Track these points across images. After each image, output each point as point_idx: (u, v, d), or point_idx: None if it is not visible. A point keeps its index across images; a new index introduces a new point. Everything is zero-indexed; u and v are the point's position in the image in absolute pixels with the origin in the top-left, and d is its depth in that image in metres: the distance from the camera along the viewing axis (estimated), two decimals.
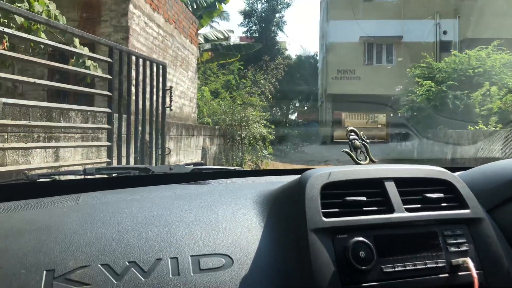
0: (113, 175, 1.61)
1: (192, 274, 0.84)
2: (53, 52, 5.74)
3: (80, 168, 4.31)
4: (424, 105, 14.43)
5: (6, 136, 3.29)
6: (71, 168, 3.77)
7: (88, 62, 5.35)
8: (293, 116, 32.83)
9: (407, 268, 0.92)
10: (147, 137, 4.74)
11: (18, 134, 3.45)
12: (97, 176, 1.46)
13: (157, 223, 0.95)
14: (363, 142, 1.21)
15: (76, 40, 5.24)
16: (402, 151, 17.18)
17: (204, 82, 14.68)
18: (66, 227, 0.91)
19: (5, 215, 0.99)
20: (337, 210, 0.95)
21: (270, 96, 15.04)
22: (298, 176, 1.03)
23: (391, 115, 28.23)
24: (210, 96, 14.17)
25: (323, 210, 0.93)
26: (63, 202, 1.07)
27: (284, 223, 0.96)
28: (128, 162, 4.32)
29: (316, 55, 33.95)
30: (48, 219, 0.94)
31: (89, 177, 1.45)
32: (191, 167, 1.54)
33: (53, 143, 3.78)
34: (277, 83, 15.70)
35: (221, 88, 15.40)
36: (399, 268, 0.91)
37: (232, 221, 0.98)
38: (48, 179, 1.42)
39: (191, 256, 0.87)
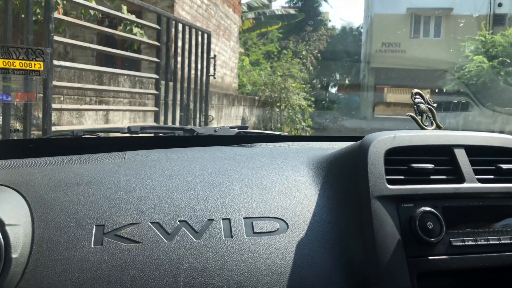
0: (158, 134, 1.61)
1: (245, 237, 0.81)
2: (102, 19, 5.91)
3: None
4: (473, 81, 13.86)
5: (62, 98, 3.47)
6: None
7: (135, 30, 5.48)
8: (333, 89, 32.33)
9: (479, 243, 0.85)
10: (191, 104, 4.86)
11: (72, 97, 3.63)
12: (142, 134, 1.45)
13: (207, 183, 0.92)
14: (430, 106, 1.13)
15: (124, 8, 5.37)
16: (446, 129, 16.68)
17: (245, 53, 14.65)
18: (114, 183, 0.89)
19: (53, 167, 0.98)
20: (402, 177, 0.89)
21: (311, 68, 14.84)
22: (352, 142, 1.00)
23: (436, 91, 27.28)
24: (250, 66, 14.16)
25: (387, 177, 0.87)
26: (109, 159, 1.06)
27: (342, 190, 0.92)
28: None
29: (361, 27, 32.99)
30: (96, 174, 0.92)
31: (133, 135, 1.44)
32: (236, 130, 1.52)
33: (104, 106, 3.95)
34: (319, 54, 15.44)
35: (262, 58, 15.33)
36: (470, 243, 0.84)
37: (285, 184, 0.94)
38: (93, 135, 1.42)
39: (244, 218, 0.84)
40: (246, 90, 12.60)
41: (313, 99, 13.28)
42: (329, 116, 18.71)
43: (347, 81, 35.82)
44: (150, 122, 4.71)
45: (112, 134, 1.66)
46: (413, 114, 1.10)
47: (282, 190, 0.92)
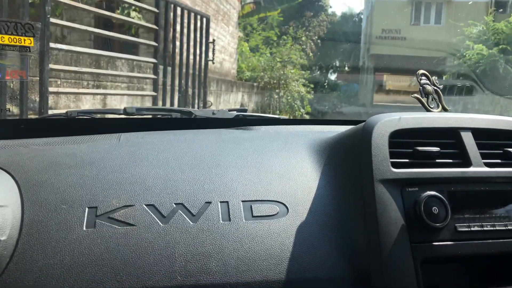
0: (155, 116, 1.56)
1: (244, 221, 0.79)
2: (100, 3, 5.83)
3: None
4: (472, 69, 13.80)
5: (59, 82, 3.44)
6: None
7: (133, 14, 5.42)
8: (332, 76, 32.19)
9: (485, 228, 0.82)
10: (189, 89, 4.82)
11: (69, 80, 3.59)
12: (138, 116, 1.41)
13: (205, 165, 0.89)
14: (435, 88, 1.09)
15: None
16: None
17: (244, 38, 14.53)
18: (108, 164, 0.86)
19: (45, 148, 0.95)
20: (407, 160, 0.86)
21: (311, 54, 14.75)
22: (354, 125, 0.97)
23: (436, 78, 27.11)
24: (249, 52, 14.05)
25: (391, 160, 0.84)
26: (104, 140, 1.02)
27: (344, 173, 0.89)
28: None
29: (361, 13, 32.72)
30: (89, 155, 0.90)
31: (130, 116, 1.40)
32: (234, 112, 1.49)
33: (102, 90, 3.92)
34: (318, 40, 15.32)
35: (261, 44, 15.21)
36: (476, 228, 0.82)
37: (285, 167, 0.92)
38: (87, 116, 1.38)
39: (242, 201, 0.82)
40: (245, 76, 12.53)
41: (312, 85, 13.22)
42: (327, 102, 18.64)
43: (346, 68, 35.66)
44: (148, 106, 4.67)
45: (107, 116, 1.62)
46: (418, 96, 1.06)
47: (282, 173, 0.90)
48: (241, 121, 1.38)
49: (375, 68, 25.38)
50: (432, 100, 1.07)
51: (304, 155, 0.96)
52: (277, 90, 12.22)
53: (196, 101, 4.95)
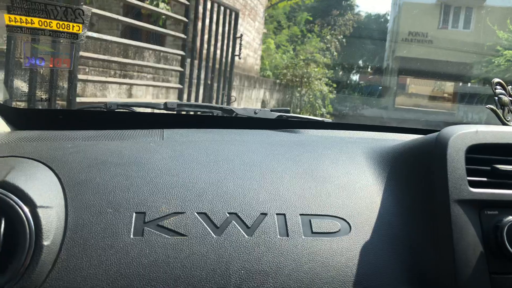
0: (196, 112, 1.52)
1: (303, 237, 0.72)
2: None
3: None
4: (501, 76, 13.47)
5: (87, 70, 3.44)
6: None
7: (162, 5, 5.40)
8: (355, 77, 31.86)
9: None
10: (215, 83, 4.79)
11: (97, 69, 3.59)
12: (179, 111, 1.37)
13: (258, 171, 0.82)
14: None
15: None
16: (469, 123, 16.35)
17: (270, 34, 14.44)
18: (155, 164, 0.79)
19: (88, 143, 0.88)
20: (485, 179, 0.77)
21: (335, 53, 14.59)
22: (415, 134, 0.89)
23: (460, 84, 26.68)
24: (274, 48, 13.98)
25: (468, 178, 0.75)
26: (147, 137, 0.96)
27: (413, 189, 0.80)
28: None
29: (387, 14, 32.28)
30: (134, 153, 0.83)
31: (170, 112, 1.36)
32: (276, 112, 1.42)
33: (129, 80, 3.92)
34: (344, 39, 15.15)
35: (285, 41, 15.12)
36: None
37: (345, 178, 0.83)
38: (127, 110, 1.34)
39: (301, 214, 0.74)
40: (267, 73, 12.47)
41: (334, 85, 13.08)
42: (349, 103, 18.46)
43: (369, 69, 35.25)
44: (173, 99, 4.66)
45: (147, 110, 1.60)
46: (493, 107, 0.97)
47: (342, 185, 0.81)
48: (284, 122, 1.31)
49: (399, 71, 25.02)
50: (509, 112, 0.99)
51: (365, 165, 0.87)
52: (299, 88, 12.14)
53: (220, 95, 4.91)
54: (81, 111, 1.10)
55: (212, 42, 4.56)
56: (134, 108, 1.29)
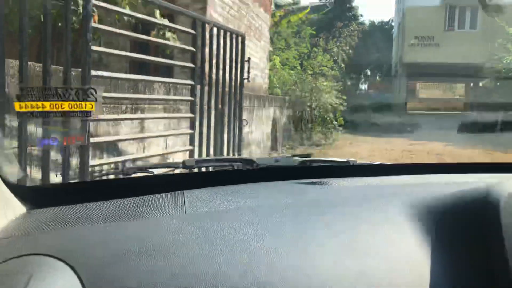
0: (215, 167, 1.44)
1: None
2: (135, 24, 5.91)
3: (173, 159, 4.44)
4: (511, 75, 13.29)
5: None
6: (162, 157, 3.89)
7: (168, 34, 5.45)
8: (363, 86, 31.77)
9: None
10: (225, 108, 4.78)
11: (108, 105, 3.60)
12: (198, 169, 1.32)
13: (291, 247, 0.75)
14: None
15: (157, 12, 5.34)
16: (485, 124, 16.09)
17: (275, 52, 14.50)
18: (181, 251, 0.74)
19: (107, 227, 0.83)
20: None
21: (342, 65, 14.57)
22: (467, 177, 0.80)
23: (471, 85, 26.41)
24: (280, 65, 14.02)
25: None
26: (168, 207, 0.91)
27: (467, 262, 0.69)
28: (208, 133, 4.40)
29: (391, 21, 32.28)
30: (158, 238, 0.78)
31: (189, 171, 1.31)
32: (298, 159, 1.36)
33: (140, 115, 3.93)
34: (350, 51, 15.14)
35: (292, 57, 15.17)
36: None
37: (387, 248, 0.75)
38: (145, 173, 1.30)
39: None
40: (276, 91, 12.49)
41: (344, 97, 13.02)
42: (360, 113, 18.36)
43: (378, 77, 35.13)
44: (185, 127, 4.66)
45: (166, 170, 1.54)
46: None
47: (385, 257, 0.73)
48: (308, 170, 1.26)
49: (408, 76, 24.90)
50: None
51: (407, 228, 0.78)
52: (309, 103, 12.11)
53: (232, 120, 4.89)
54: (97, 182, 1.05)
55: (221, 67, 4.57)
56: (153, 169, 1.24)
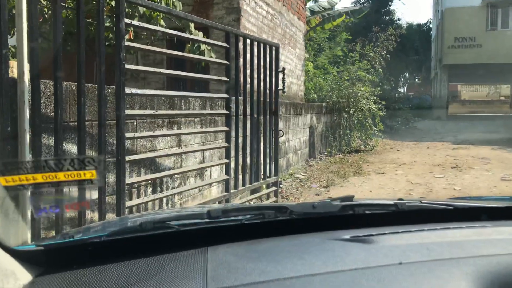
0: (240, 219, 1.22)
1: None
2: (171, 37, 5.96)
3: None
4: None
5: (135, 123, 3.47)
6: (189, 205, 3.88)
7: (203, 46, 5.46)
8: (402, 90, 31.05)
9: None
10: (261, 119, 4.73)
11: (145, 120, 3.62)
12: (224, 220, 1.14)
13: None
14: None
15: (192, 25, 5.37)
16: None
17: (310, 58, 14.37)
18: None
19: None
20: None
21: (380, 70, 14.25)
22: None
23: None
24: (314, 71, 13.86)
25: None
26: (187, 277, 0.83)
27: None
28: (245, 144, 4.36)
29: (429, 22, 31.47)
30: None
31: (215, 224, 1.13)
32: (339, 203, 1.18)
33: (176, 131, 3.94)
34: (387, 55, 14.79)
35: (327, 63, 14.98)
36: None
37: None
38: (164, 229, 1.11)
39: None
40: (312, 97, 12.33)
41: (383, 102, 12.68)
42: (400, 118, 17.89)
43: (417, 80, 34.28)
44: (221, 139, 4.64)
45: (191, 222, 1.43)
46: None
47: None
48: (351, 218, 1.12)
49: (449, 79, 24.13)
50: None
51: None
52: (346, 109, 11.90)
53: (268, 132, 4.84)
54: (112, 241, 0.97)
55: (255, 77, 4.53)
56: (177, 222, 1.11)
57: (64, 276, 0.83)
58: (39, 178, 0.85)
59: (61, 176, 0.87)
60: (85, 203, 1.03)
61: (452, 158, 9.90)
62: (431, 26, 31.24)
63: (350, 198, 1.19)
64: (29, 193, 0.91)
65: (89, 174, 0.89)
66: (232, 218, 1.14)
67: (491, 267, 0.72)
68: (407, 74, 32.35)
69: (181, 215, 1.28)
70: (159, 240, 1.02)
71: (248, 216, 1.11)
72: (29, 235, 2.02)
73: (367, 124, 11.88)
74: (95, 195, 2.50)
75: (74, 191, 1.00)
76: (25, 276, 0.84)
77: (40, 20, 4.16)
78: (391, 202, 1.17)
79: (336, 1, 16.49)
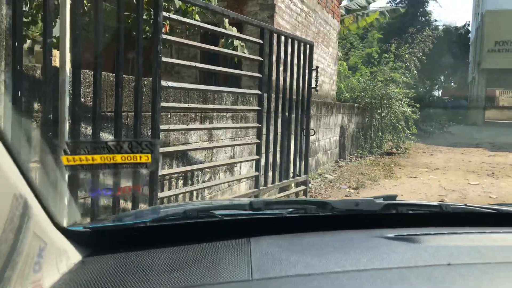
0: (282, 212, 1.24)
1: None
2: (205, 32, 6.01)
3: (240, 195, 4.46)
4: None
5: (169, 116, 3.51)
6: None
7: (236, 42, 5.48)
8: (437, 93, 30.30)
9: None
10: (293, 117, 4.71)
11: (178, 113, 3.66)
12: (266, 212, 1.15)
13: None
14: None
15: (226, 21, 5.39)
16: None
17: (344, 57, 14.21)
18: None
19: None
20: None
21: (415, 72, 13.93)
22: None
23: None
24: (347, 71, 13.69)
25: None
26: (232, 267, 0.83)
27: None
28: (275, 142, 4.36)
29: (468, 25, 30.58)
30: None
31: (257, 215, 1.15)
32: (381, 201, 1.15)
33: (209, 125, 3.97)
34: (423, 57, 14.46)
35: (360, 63, 14.77)
36: None
37: None
38: (208, 217, 1.14)
39: None
40: (344, 97, 12.19)
41: (418, 105, 12.41)
42: (434, 122, 17.47)
43: (453, 84, 33.37)
44: (252, 134, 4.65)
45: (233, 212, 1.45)
46: None
47: None
48: (394, 217, 1.10)
49: (487, 83, 23.39)
50: None
51: None
52: (379, 111, 11.71)
53: (299, 130, 4.81)
54: (157, 227, 0.99)
55: (288, 75, 4.51)
56: (217, 212, 1.10)
57: (111, 258, 0.85)
58: (98, 159, 0.88)
59: (118, 158, 0.89)
60: (138, 186, 1.05)
61: (488, 165, 9.60)
62: (469, 28, 30.35)
63: (394, 197, 1.18)
64: (82, 174, 0.95)
65: (145, 157, 0.91)
66: (275, 210, 1.13)
67: None
68: (442, 77, 31.54)
69: (223, 205, 1.29)
70: (202, 229, 1.03)
71: (290, 209, 1.10)
72: (79, 216, 2.09)
73: (399, 126, 11.67)
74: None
75: (128, 174, 1.02)
76: (76, 256, 0.87)
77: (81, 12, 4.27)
78: (435, 203, 1.14)
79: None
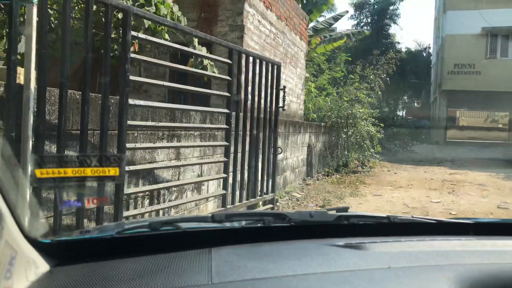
0: (242, 224, 1.33)
1: None
2: (175, 51, 6.04)
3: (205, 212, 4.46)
4: None
5: (136, 134, 3.50)
6: (194, 212, 3.90)
7: (206, 61, 5.54)
8: (401, 113, 31.23)
9: None
10: (260, 135, 4.77)
11: (145, 131, 3.66)
12: (227, 224, 1.23)
13: None
14: None
15: (195, 40, 5.45)
16: None
17: (311, 79, 14.51)
18: None
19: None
20: None
21: (379, 93, 14.38)
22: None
23: None
24: (316, 91, 13.99)
25: None
26: (193, 272, 0.88)
27: None
28: (243, 160, 4.40)
29: (429, 47, 31.87)
30: None
31: (218, 227, 1.21)
32: (334, 213, 1.24)
33: (176, 143, 3.96)
34: (387, 78, 14.96)
35: (327, 83, 15.12)
36: None
37: None
38: (171, 229, 1.21)
39: None
40: (311, 116, 12.42)
41: (382, 125, 12.79)
42: (398, 141, 17.98)
43: (415, 104, 34.53)
44: (220, 152, 4.68)
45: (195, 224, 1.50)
46: None
47: None
48: (345, 228, 1.18)
49: (448, 104, 24.32)
50: None
51: None
52: (345, 130, 11.98)
53: (267, 148, 4.88)
54: (123, 239, 1.03)
55: (256, 94, 4.59)
56: (181, 224, 1.17)
57: (78, 268, 0.89)
58: (69, 172, 0.91)
59: (88, 171, 0.93)
60: (105, 198, 1.08)
61: (449, 183, 9.93)
62: (431, 51, 31.60)
63: (345, 209, 1.27)
64: (54, 187, 0.98)
65: (113, 171, 0.94)
66: (235, 223, 1.20)
67: (471, 274, 0.78)
68: (406, 98, 32.57)
69: (187, 218, 1.35)
70: (166, 240, 1.07)
71: (250, 221, 1.18)
72: (48, 228, 2.06)
73: (365, 145, 11.96)
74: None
75: (95, 186, 1.04)
76: (44, 266, 0.90)
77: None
78: (384, 215, 1.23)
79: (343, 14, 16.67)
